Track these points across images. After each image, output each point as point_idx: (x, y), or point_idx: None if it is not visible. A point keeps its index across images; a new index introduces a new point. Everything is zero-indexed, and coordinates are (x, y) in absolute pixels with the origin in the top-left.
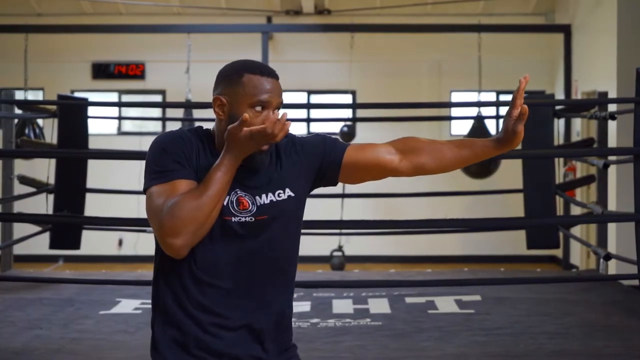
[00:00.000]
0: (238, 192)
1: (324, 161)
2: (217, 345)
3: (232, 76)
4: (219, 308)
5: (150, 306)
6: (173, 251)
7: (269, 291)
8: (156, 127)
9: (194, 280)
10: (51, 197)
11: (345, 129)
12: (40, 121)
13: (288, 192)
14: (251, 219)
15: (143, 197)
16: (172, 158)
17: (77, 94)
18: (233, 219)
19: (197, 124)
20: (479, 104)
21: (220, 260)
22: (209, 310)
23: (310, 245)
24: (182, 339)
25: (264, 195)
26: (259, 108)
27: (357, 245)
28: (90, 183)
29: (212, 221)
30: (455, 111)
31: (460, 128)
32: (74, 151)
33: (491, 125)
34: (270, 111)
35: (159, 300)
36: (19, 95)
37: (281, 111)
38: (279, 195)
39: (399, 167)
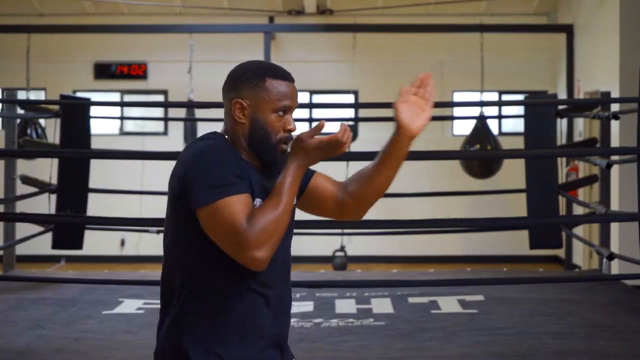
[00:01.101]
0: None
1: None
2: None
3: (253, 79)
4: (263, 319)
5: (153, 307)
6: (258, 264)
7: (288, 295)
8: (158, 127)
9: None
10: (53, 197)
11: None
12: (42, 121)
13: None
14: None
15: (145, 197)
16: (232, 170)
17: (79, 94)
18: None
19: (199, 123)
20: (482, 104)
21: (270, 268)
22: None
23: (313, 245)
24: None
25: None
26: (281, 113)
27: (359, 245)
28: (92, 183)
29: (285, 230)
30: (457, 111)
31: (463, 128)
32: (77, 151)
33: (493, 125)
34: (290, 115)
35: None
36: (21, 95)
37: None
38: None
39: (344, 207)
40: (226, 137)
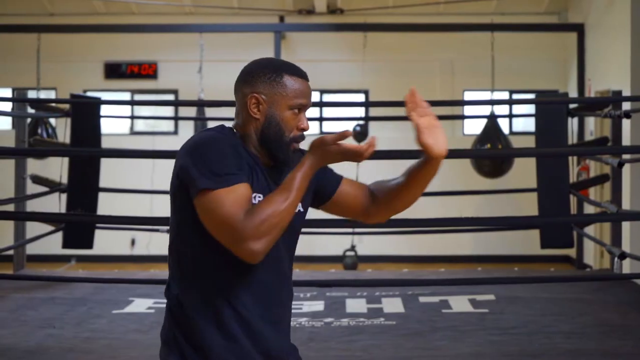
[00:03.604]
0: None
1: (320, 184)
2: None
3: (271, 75)
4: (255, 317)
5: (164, 306)
6: (253, 256)
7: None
8: (169, 126)
9: (238, 291)
10: (64, 196)
11: (358, 128)
12: (52, 121)
13: (299, 207)
14: None
15: (156, 197)
16: (232, 162)
17: (89, 94)
18: None
19: (210, 123)
20: (492, 102)
21: (255, 273)
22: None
23: (323, 244)
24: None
25: None
26: (296, 110)
27: (370, 245)
28: (102, 183)
29: (286, 226)
30: (468, 110)
31: (473, 127)
32: (87, 150)
33: (504, 124)
34: (303, 114)
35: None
36: (32, 94)
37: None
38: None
39: (370, 214)
40: (235, 131)
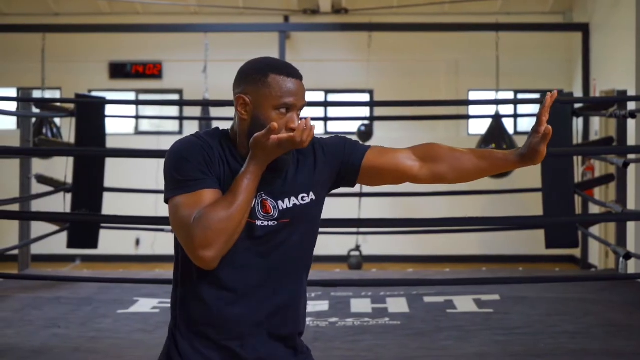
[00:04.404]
0: (263, 195)
1: (344, 163)
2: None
3: (256, 75)
4: (241, 309)
5: (169, 306)
6: (205, 263)
7: (287, 293)
8: (174, 126)
9: (218, 284)
10: (69, 196)
11: (363, 128)
12: (57, 120)
13: (311, 195)
14: (274, 223)
15: (161, 196)
16: (195, 167)
17: (94, 94)
18: (257, 222)
19: (214, 123)
20: (497, 102)
21: (245, 264)
22: (232, 311)
23: (328, 244)
24: (206, 344)
25: (286, 200)
26: (283, 110)
27: (375, 245)
28: (107, 182)
29: (240, 230)
30: (473, 110)
31: (478, 127)
32: (92, 149)
33: (509, 124)
34: (294, 113)
35: (181, 308)
36: (37, 94)
37: (303, 113)
38: (302, 199)
39: (419, 175)
40: (229, 132)
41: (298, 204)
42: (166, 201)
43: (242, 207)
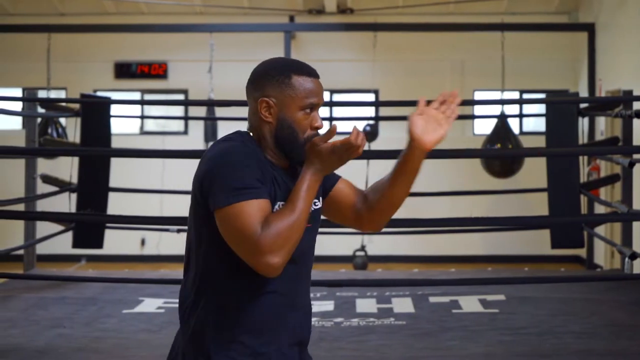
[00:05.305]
0: None
1: (323, 183)
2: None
3: (279, 77)
4: (284, 315)
5: (174, 306)
6: (271, 270)
7: (309, 296)
8: (179, 126)
9: (264, 291)
10: (74, 196)
11: (368, 128)
12: (63, 120)
13: (320, 201)
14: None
15: (166, 196)
16: (253, 174)
17: (99, 94)
18: None
19: (220, 123)
20: (502, 102)
21: (284, 270)
22: (279, 318)
23: (333, 245)
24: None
25: None
26: (308, 110)
27: (380, 245)
28: (112, 182)
29: (300, 237)
30: (478, 110)
31: (484, 127)
32: (97, 149)
33: (514, 124)
34: (317, 112)
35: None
36: (42, 94)
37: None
38: (315, 204)
39: (361, 218)
40: (251, 135)
41: (314, 209)
42: (218, 208)
43: (304, 214)
